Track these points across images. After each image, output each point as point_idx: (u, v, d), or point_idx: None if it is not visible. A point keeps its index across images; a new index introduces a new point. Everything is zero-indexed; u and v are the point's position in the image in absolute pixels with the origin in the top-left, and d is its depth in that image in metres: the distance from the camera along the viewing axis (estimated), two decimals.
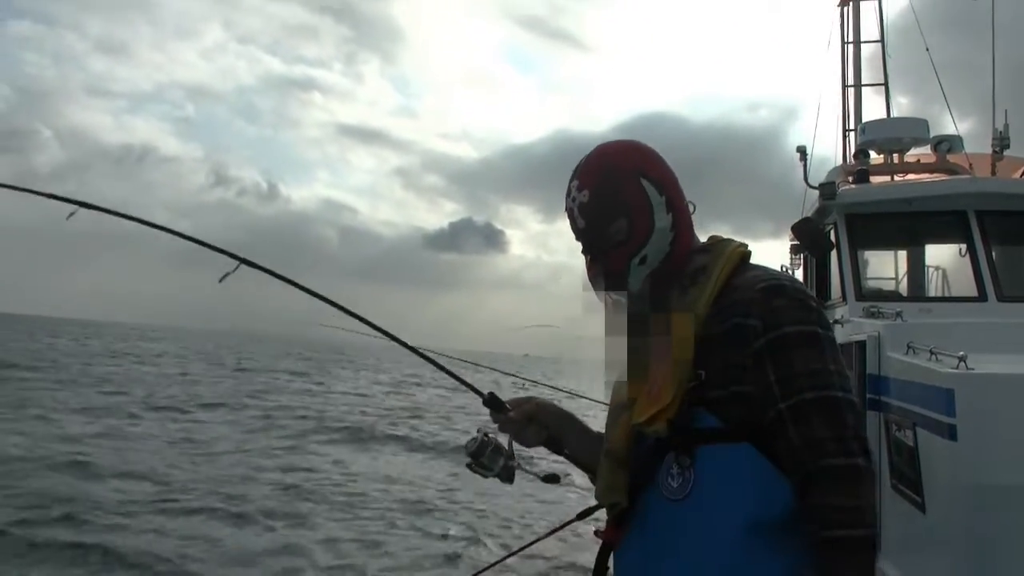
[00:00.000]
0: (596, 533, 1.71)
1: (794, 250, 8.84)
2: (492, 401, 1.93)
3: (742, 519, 1.48)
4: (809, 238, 6.89)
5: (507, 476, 1.88)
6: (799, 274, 8.69)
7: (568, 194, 1.73)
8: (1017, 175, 6.97)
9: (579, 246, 1.76)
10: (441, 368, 2.27)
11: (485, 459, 1.86)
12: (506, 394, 1.98)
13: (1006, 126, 7.21)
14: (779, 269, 1.78)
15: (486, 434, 1.88)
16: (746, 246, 1.70)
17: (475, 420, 2.11)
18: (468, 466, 1.90)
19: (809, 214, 7.43)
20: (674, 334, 1.59)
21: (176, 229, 2.43)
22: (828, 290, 7.19)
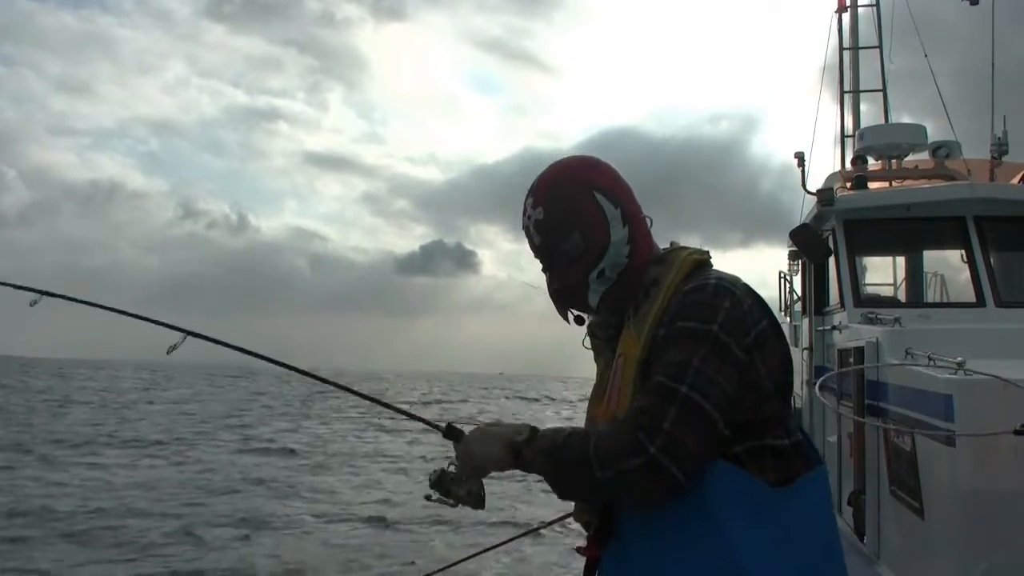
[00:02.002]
0: (578, 550, 1.71)
1: (792, 256, 8.84)
2: (451, 432, 1.86)
3: (711, 524, 1.48)
4: (807, 244, 6.88)
5: (475, 502, 1.82)
6: (797, 280, 8.70)
7: (524, 211, 1.73)
8: (1015, 181, 6.97)
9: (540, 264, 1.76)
10: (394, 408, 2.24)
11: (446, 488, 1.80)
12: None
13: (1004, 132, 7.22)
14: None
15: (449, 464, 1.82)
16: (703, 253, 1.70)
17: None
18: (427, 497, 1.84)
19: (807, 220, 7.43)
20: (624, 354, 1.62)
21: (122, 309, 2.38)
22: (827, 296, 7.19)
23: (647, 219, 1.75)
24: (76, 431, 23.23)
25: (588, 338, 1.82)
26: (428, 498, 1.84)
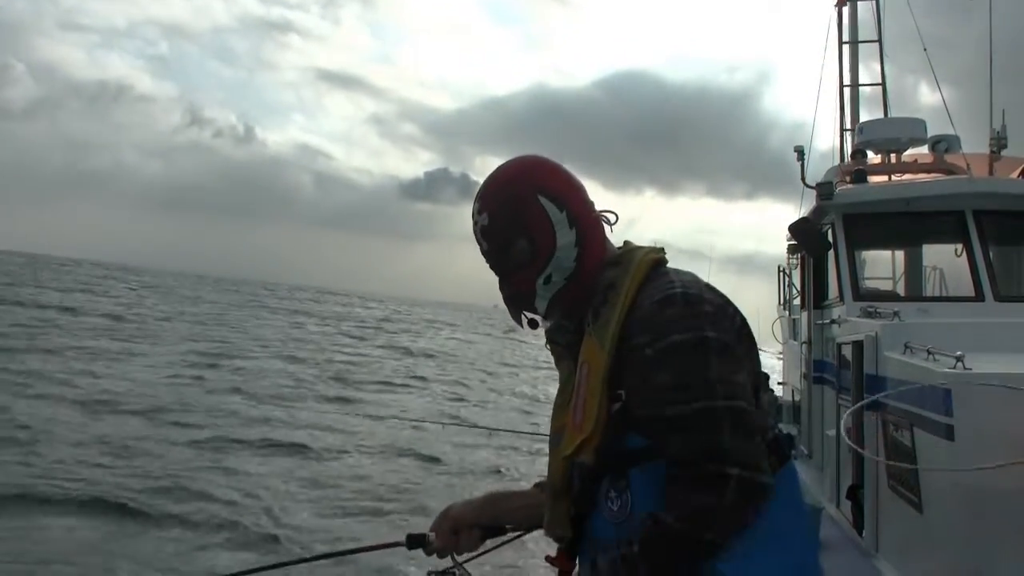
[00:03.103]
0: (547, 559, 1.70)
1: (791, 250, 8.84)
2: (413, 541, 1.87)
3: None
4: (807, 238, 6.89)
5: None
6: (796, 275, 8.70)
7: (472, 217, 1.71)
8: (1015, 175, 6.97)
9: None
10: (350, 552, 2.25)
11: None
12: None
13: (1003, 126, 7.22)
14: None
15: (428, 572, 1.88)
16: (659, 251, 1.67)
17: None
18: None
19: (807, 214, 7.43)
20: (588, 362, 1.59)
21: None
22: (826, 290, 7.19)
23: (605, 217, 1.71)
24: None
25: (548, 344, 1.80)
26: None
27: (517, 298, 1.71)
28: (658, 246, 1.69)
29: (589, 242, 1.66)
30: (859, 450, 4.90)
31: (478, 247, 1.72)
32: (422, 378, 26.55)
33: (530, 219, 1.64)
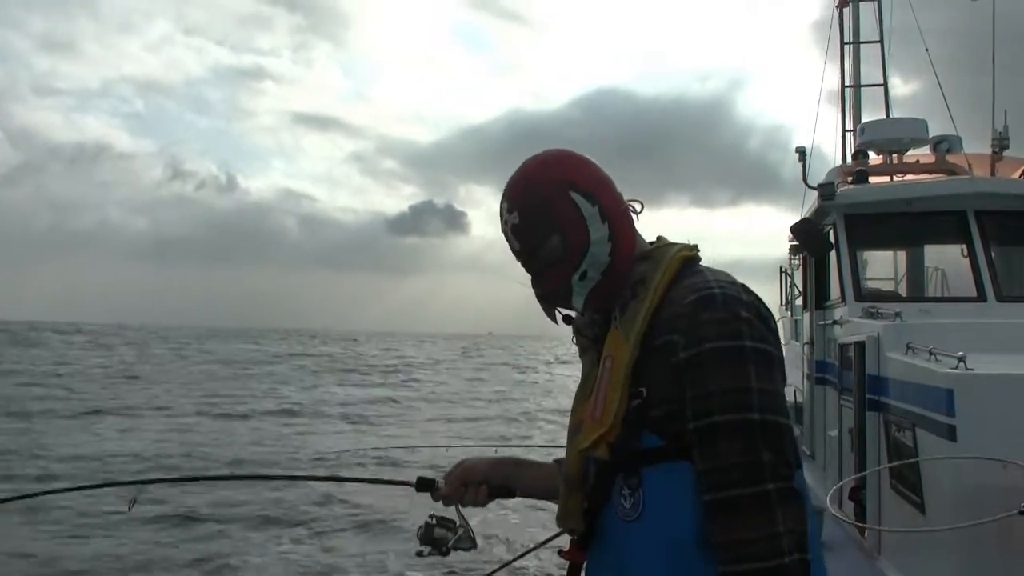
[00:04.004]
0: (560, 553, 1.69)
1: (793, 251, 8.84)
2: (422, 484, 1.92)
3: (689, 536, 1.45)
4: (808, 239, 6.89)
5: (466, 545, 1.90)
6: (798, 275, 8.70)
7: (501, 216, 1.67)
8: (1016, 175, 6.97)
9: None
10: (361, 480, 2.28)
11: (433, 539, 1.88)
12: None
13: (1006, 127, 7.21)
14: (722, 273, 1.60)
15: (431, 516, 1.90)
16: (691, 248, 1.63)
17: None
18: (419, 554, 1.90)
19: (808, 215, 7.43)
20: (612, 355, 1.56)
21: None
22: (827, 291, 7.19)
23: (632, 208, 1.68)
24: None
25: (575, 336, 1.77)
26: (420, 554, 1.90)
27: (551, 296, 1.67)
28: (692, 243, 1.65)
29: (621, 236, 1.63)
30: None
31: (510, 247, 1.68)
32: None
33: (562, 216, 1.61)
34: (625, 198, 1.70)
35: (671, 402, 1.47)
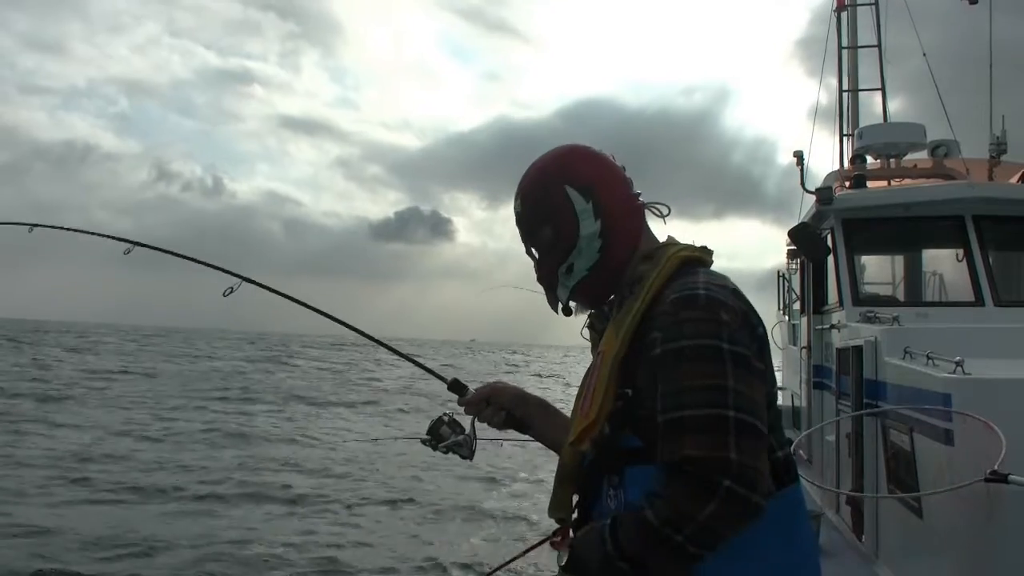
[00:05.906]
0: (552, 544, 1.70)
1: (791, 255, 8.84)
2: (455, 386, 2.04)
3: None
4: (806, 243, 6.89)
5: (463, 452, 2.01)
6: (796, 280, 8.70)
7: (513, 206, 1.78)
8: (1014, 180, 6.98)
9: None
10: (404, 356, 2.38)
11: (438, 433, 2.00)
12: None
13: (1003, 131, 7.22)
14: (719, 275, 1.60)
15: (445, 414, 2.02)
16: (695, 249, 1.64)
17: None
18: (422, 441, 2.03)
19: (806, 219, 7.43)
20: (603, 351, 1.59)
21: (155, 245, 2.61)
22: (825, 295, 7.19)
23: (657, 211, 1.70)
24: None
25: (587, 330, 1.81)
26: (423, 442, 2.03)
27: (543, 284, 1.75)
28: (702, 245, 1.66)
29: (616, 234, 1.65)
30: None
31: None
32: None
33: (553, 208, 1.67)
34: (649, 200, 1.73)
35: (653, 400, 1.47)
